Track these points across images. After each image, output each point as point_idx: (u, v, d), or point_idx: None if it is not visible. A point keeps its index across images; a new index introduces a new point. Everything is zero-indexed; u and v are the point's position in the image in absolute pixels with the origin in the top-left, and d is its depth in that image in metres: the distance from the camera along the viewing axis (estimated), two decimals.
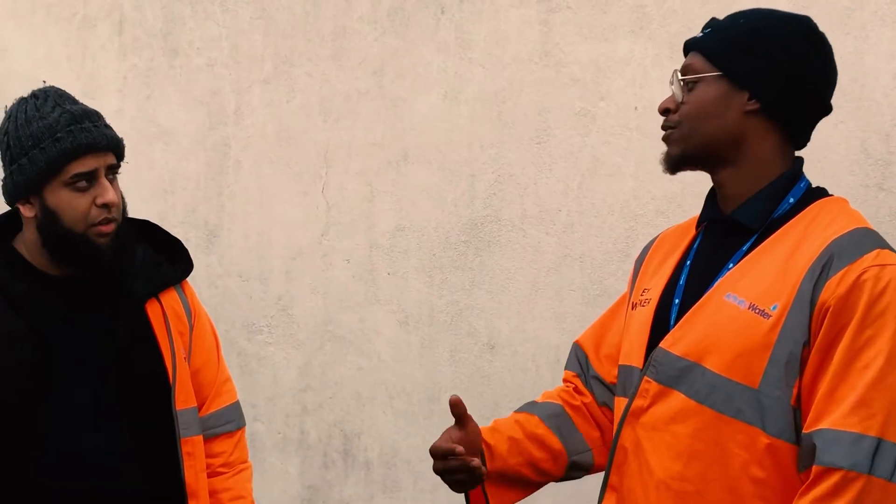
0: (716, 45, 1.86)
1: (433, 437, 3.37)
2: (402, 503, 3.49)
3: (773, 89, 1.83)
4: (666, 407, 1.82)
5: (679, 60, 1.97)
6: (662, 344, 1.84)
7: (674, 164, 1.90)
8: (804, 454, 1.70)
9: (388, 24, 3.48)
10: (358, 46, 3.54)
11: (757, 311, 1.75)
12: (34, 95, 2.09)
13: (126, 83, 4.04)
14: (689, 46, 1.90)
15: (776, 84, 1.82)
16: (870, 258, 1.71)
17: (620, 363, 1.99)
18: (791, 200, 1.85)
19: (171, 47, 3.96)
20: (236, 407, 2.30)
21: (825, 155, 2.71)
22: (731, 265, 1.83)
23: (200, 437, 2.17)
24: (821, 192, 1.88)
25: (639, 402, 1.86)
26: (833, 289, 1.69)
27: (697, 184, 2.27)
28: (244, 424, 2.31)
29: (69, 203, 2.02)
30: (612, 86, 3.07)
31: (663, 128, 1.90)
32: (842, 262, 1.71)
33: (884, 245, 1.76)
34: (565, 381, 2.15)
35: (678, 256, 1.96)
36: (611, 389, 2.05)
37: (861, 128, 2.69)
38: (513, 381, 3.20)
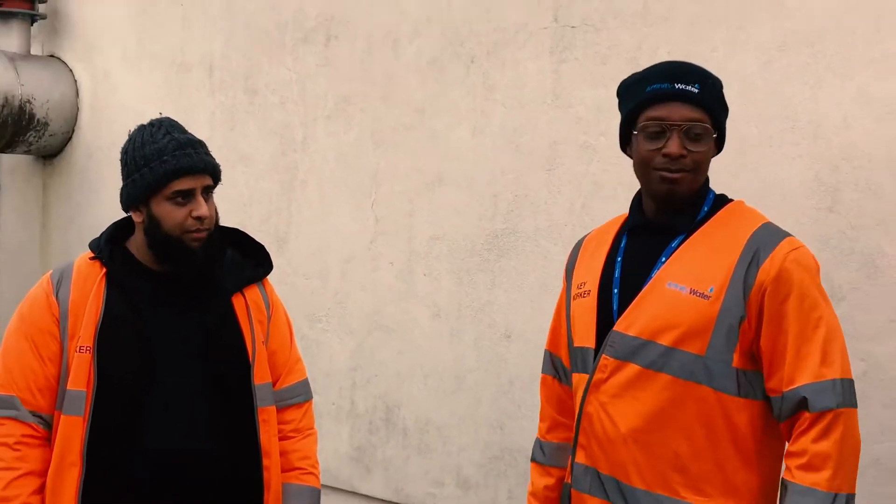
0: (713, 103, 1.87)
1: (459, 409, 3.40)
2: (433, 462, 3.49)
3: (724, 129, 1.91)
4: (624, 376, 1.83)
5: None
6: (616, 327, 1.85)
7: (682, 201, 1.89)
8: (787, 406, 1.76)
9: (428, 71, 3.48)
10: (403, 89, 3.55)
11: (697, 294, 1.79)
12: (151, 123, 2.08)
13: (214, 117, 4.07)
14: (687, 98, 1.85)
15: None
16: (786, 245, 1.81)
17: (575, 346, 1.97)
18: (706, 208, 1.90)
19: (251, 88, 3.99)
20: (305, 383, 2.27)
21: (785, 183, 2.70)
22: (664, 259, 1.86)
23: (274, 408, 2.14)
24: (725, 198, 1.94)
25: (599, 376, 1.86)
26: (767, 272, 1.77)
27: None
28: (311, 397, 2.28)
29: (169, 214, 2.01)
30: (610, 123, 3.03)
31: (678, 170, 1.85)
32: (766, 251, 1.79)
33: (786, 233, 1.85)
34: (546, 381, 2.13)
35: (605, 253, 1.97)
36: None
37: (815, 160, 2.67)
38: (525, 364, 3.19)
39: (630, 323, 1.83)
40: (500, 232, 3.31)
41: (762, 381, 1.82)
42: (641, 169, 1.89)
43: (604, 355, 1.85)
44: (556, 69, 3.18)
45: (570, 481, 1.92)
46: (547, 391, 2.12)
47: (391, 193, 3.58)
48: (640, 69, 3.01)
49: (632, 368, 1.82)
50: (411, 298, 3.53)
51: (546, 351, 2.14)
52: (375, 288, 3.63)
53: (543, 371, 2.14)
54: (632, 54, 2.99)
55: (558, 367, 2.09)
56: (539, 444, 2.13)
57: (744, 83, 2.72)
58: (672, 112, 1.82)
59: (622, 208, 3.02)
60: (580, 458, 1.89)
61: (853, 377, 1.83)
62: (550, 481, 2.09)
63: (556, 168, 3.18)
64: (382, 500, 3.63)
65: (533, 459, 2.14)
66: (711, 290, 1.78)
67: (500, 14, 3.29)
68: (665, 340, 1.79)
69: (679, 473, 1.80)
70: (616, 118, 3.04)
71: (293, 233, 3.85)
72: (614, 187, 3.03)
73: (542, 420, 2.14)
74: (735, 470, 1.80)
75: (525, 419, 3.19)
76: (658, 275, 1.84)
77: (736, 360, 1.79)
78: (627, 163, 3.03)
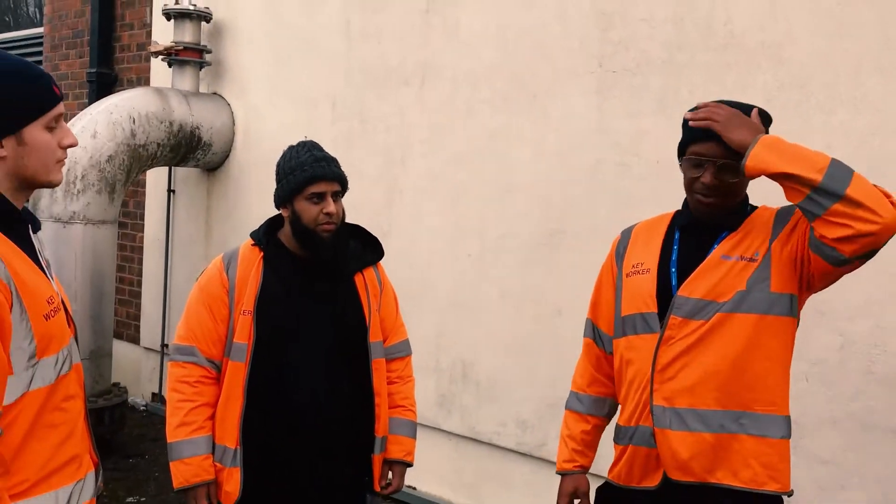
0: None
1: (521, 368, 3.45)
2: (499, 407, 3.53)
3: None
4: (690, 329, 1.79)
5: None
6: (680, 293, 1.80)
7: (719, 214, 1.88)
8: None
9: (500, 104, 3.51)
10: (480, 119, 3.59)
11: (746, 259, 1.78)
12: (298, 143, 2.13)
13: (335, 141, 4.14)
14: (720, 138, 1.81)
15: None
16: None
17: (629, 314, 1.89)
18: (747, 210, 1.88)
19: (363, 118, 4.05)
20: (407, 342, 2.31)
21: (781, 198, 2.69)
22: (715, 245, 1.84)
23: (384, 360, 2.19)
24: (754, 206, 1.92)
25: (669, 333, 1.80)
26: (793, 219, 1.81)
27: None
28: (411, 353, 2.31)
29: (307, 210, 2.05)
30: (642, 146, 3.07)
31: (710, 195, 1.83)
32: (791, 210, 1.83)
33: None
34: (588, 344, 2.07)
35: (660, 241, 1.93)
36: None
37: None
38: (572, 335, 3.17)
39: (693, 289, 1.79)
40: (554, 231, 3.34)
41: (797, 303, 1.80)
42: (686, 188, 1.87)
43: (672, 315, 1.79)
44: (599, 105, 3.21)
45: (651, 424, 1.80)
46: (589, 352, 2.06)
47: (469, 200, 3.63)
48: (667, 107, 3.06)
49: (696, 322, 1.78)
50: (484, 282, 3.57)
51: (588, 319, 2.08)
52: (456, 274, 3.68)
53: (586, 335, 2.08)
54: (660, 94, 3.02)
55: (596, 333, 2.06)
56: (577, 396, 2.07)
57: None
58: (708, 150, 1.79)
59: (650, 213, 3.02)
60: (658, 401, 1.80)
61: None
62: (587, 427, 2.04)
63: (598, 182, 3.20)
64: (459, 436, 3.69)
65: (570, 409, 2.07)
66: (757, 254, 1.77)
67: (557, 61, 3.33)
68: (722, 300, 1.77)
69: (749, 391, 1.76)
70: (646, 142, 3.10)
71: (394, 230, 3.91)
72: (644, 197, 3.05)
73: (581, 376, 2.07)
74: (777, 381, 1.79)
75: (570, 378, 3.22)
76: (713, 253, 1.83)
77: (772, 285, 1.77)
78: (655, 177, 3.08)
